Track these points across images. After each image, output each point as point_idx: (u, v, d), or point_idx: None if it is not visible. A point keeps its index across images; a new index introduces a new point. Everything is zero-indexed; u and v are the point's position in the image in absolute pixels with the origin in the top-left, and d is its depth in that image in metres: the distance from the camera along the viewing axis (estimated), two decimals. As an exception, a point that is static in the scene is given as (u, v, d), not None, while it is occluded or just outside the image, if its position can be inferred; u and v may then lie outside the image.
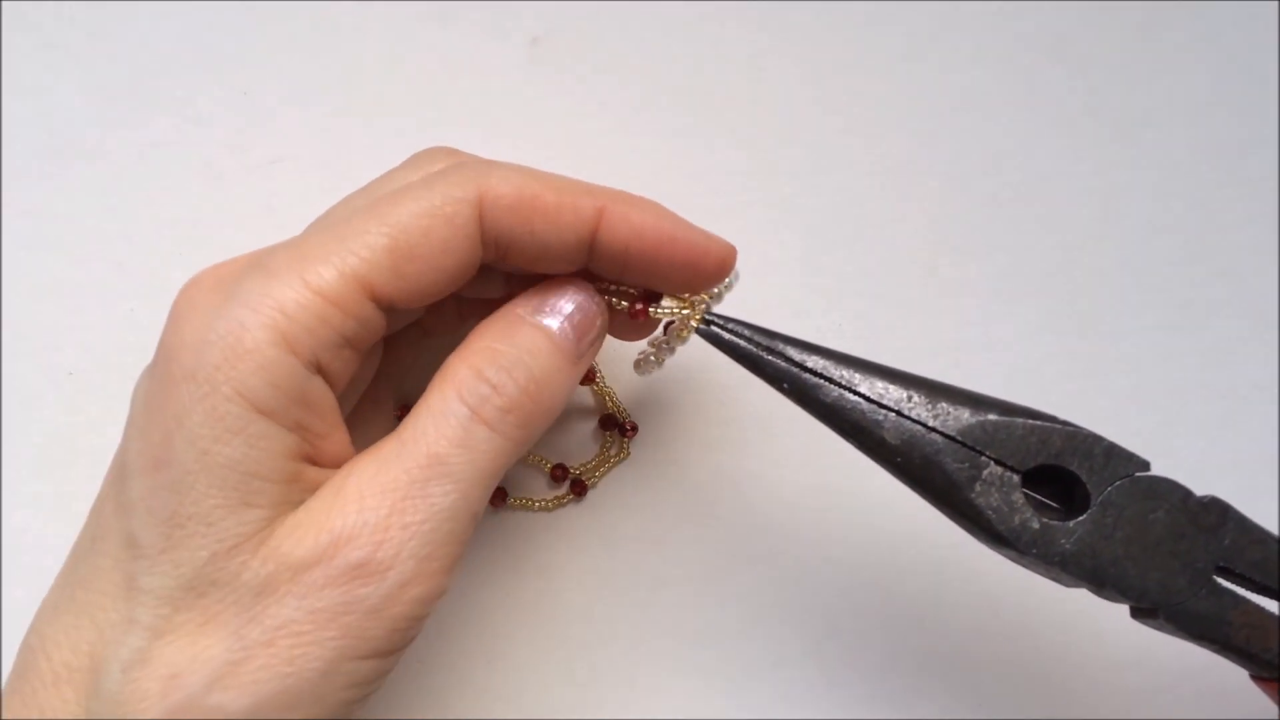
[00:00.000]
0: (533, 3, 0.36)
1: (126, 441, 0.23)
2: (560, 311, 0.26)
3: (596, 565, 0.33)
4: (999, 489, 0.25)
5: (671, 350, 0.29)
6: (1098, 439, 0.26)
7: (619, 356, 0.34)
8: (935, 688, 0.32)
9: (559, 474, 0.33)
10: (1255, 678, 0.26)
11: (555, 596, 0.33)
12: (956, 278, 0.35)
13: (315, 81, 0.36)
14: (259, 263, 0.23)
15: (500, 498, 0.33)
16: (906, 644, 0.33)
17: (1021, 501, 0.25)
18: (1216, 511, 0.25)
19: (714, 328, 0.27)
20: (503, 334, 0.25)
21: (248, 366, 0.22)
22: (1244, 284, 0.36)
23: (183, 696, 0.21)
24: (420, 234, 0.23)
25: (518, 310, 0.26)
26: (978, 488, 0.25)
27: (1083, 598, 0.32)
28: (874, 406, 0.26)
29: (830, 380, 0.26)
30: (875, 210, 0.35)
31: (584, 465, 0.33)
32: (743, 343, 0.27)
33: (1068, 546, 0.25)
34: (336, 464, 0.24)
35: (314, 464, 0.24)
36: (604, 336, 0.27)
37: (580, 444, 0.34)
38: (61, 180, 0.35)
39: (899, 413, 0.26)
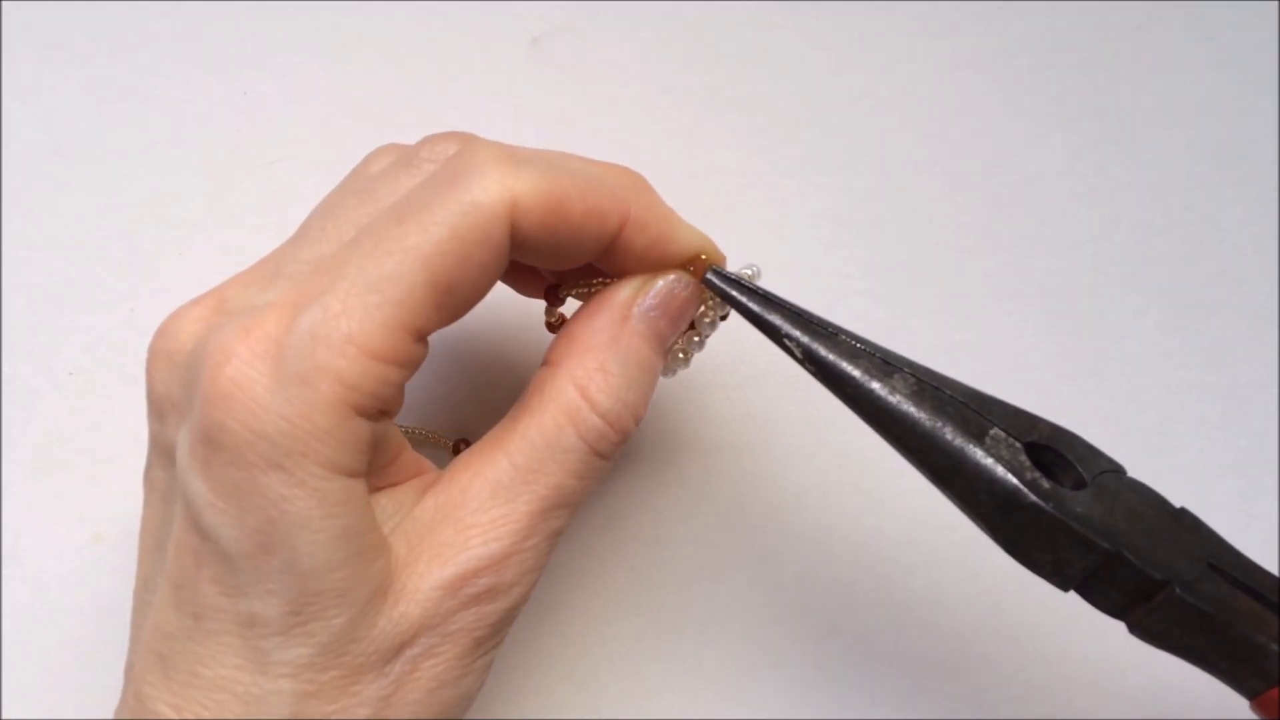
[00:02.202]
0: (533, 3, 0.36)
1: (210, 528, 0.22)
2: (662, 304, 0.25)
3: (596, 565, 0.33)
4: (1007, 448, 0.25)
5: (701, 344, 0.28)
6: (1078, 437, 0.25)
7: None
8: (935, 688, 0.32)
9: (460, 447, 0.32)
10: (1255, 702, 0.26)
11: (555, 596, 0.33)
12: (956, 278, 0.35)
13: (315, 81, 0.36)
14: (299, 327, 0.22)
15: None
16: (906, 644, 0.33)
17: (1030, 464, 0.25)
18: (1191, 518, 0.25)
19: (746, 299, 0.26)
20: (611, 345, 0.25)
21: (330, 445, 0.22)
22: (1244, 284, 0.36)
23: None
24: (457, 263, 0.22)
25: (623, 306, 0.25)
26: (987, 441, 0.25)
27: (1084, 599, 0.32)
28: (885, 364, 0.26)
29: (840, 338, 0.26)
30: (875, 211, 0.35)
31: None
32: (772, 316, 0.26)
33: (1079, 509, 0.24)
34: (408, 474, 0.25)
35: (395, 487, 0.24)
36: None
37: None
38: (61, 180, 0.35)
39: (909, 369, 0.25)
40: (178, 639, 0.23)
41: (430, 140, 0.26)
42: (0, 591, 0.32)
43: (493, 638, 0.24)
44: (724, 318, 0.28)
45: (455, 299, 0.23)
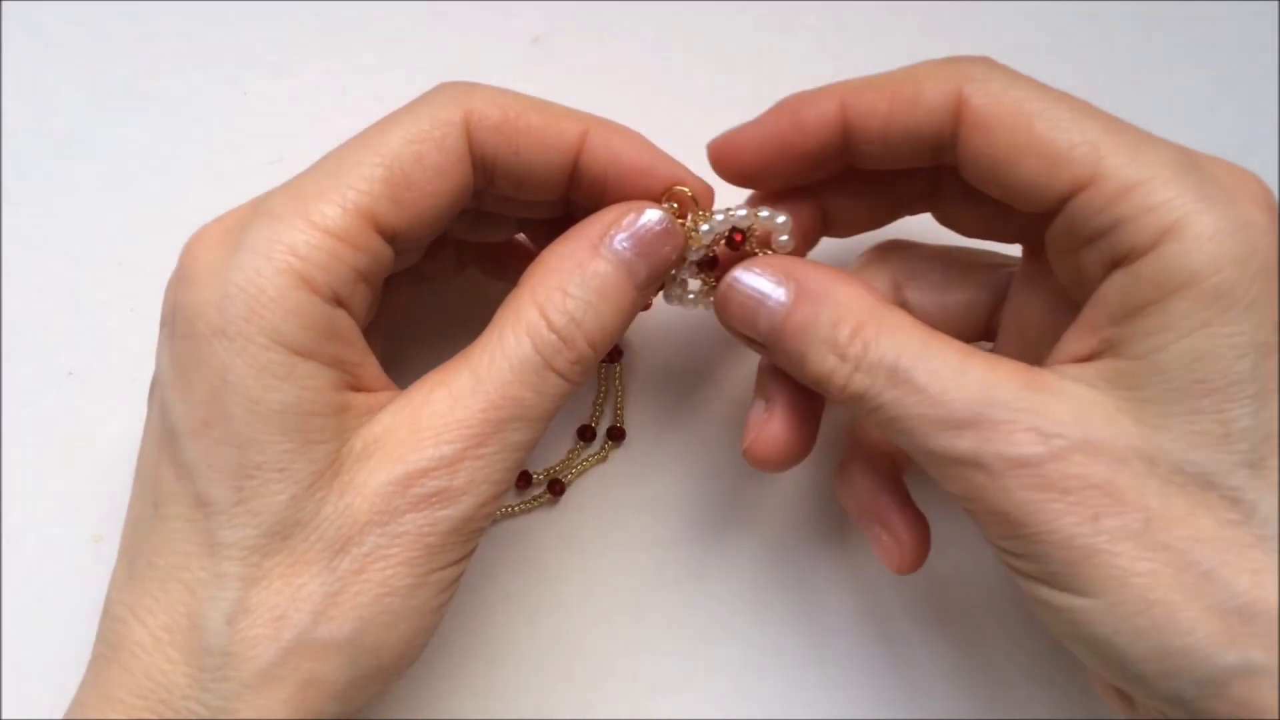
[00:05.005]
0: (533, 2, 0.36)
1: (166, 406, 0.23)
2: (634, 236, 0.25)
3: (596, 565, 0.33)
4: None
5: (682, 279, 0.27)
6: None
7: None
8: (935, 687, 0.32)
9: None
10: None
11: (554, 597, 0.33)
12: (956, 278, 0.35)
13: (315, 81, 0.36)
14: (261, 209, 0.23)
15: (525, 480, 0.33)
16: (907, 643, 0.32)
17: None
18: None
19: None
20: (574, 270, 0.25)
21: (276, 313, 0.22)
22: (1244, 284, 0.35)
23: (292, 635, 0.22)
24: (413, 160, 0.24)
25: (591, 233, 0.25)
26: None
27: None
28: None
29: None
30: (875, 210, 0.35)
31: (558, 466, 0.33)
32: None
33: None
34: (375, 388, 0.25)
35: (356, 391, 0.24)
36: (676, 263, 0.27)
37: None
38: (61, 180, 0.35)
39: None
40: (140, 532, 0.24)
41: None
42: (0, 591, 0.32)
43: (445, 549, 0.24)
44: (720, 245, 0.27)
45: (414, 196, 0.24)
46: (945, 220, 0.29)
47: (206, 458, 0.22)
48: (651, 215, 0.26)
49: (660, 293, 0.28)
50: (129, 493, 0.32)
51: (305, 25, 0.36)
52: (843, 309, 0.24)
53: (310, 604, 0.23)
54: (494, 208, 0.28)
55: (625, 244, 0.25)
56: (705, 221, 0.27)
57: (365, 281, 0.24)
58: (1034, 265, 0.27)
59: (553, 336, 0.24)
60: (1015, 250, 0.28)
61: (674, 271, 0.27)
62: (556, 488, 0.33)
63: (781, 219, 0.27)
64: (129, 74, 0.35)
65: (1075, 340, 0.24)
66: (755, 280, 0.26)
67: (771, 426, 0.27)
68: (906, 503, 0.29)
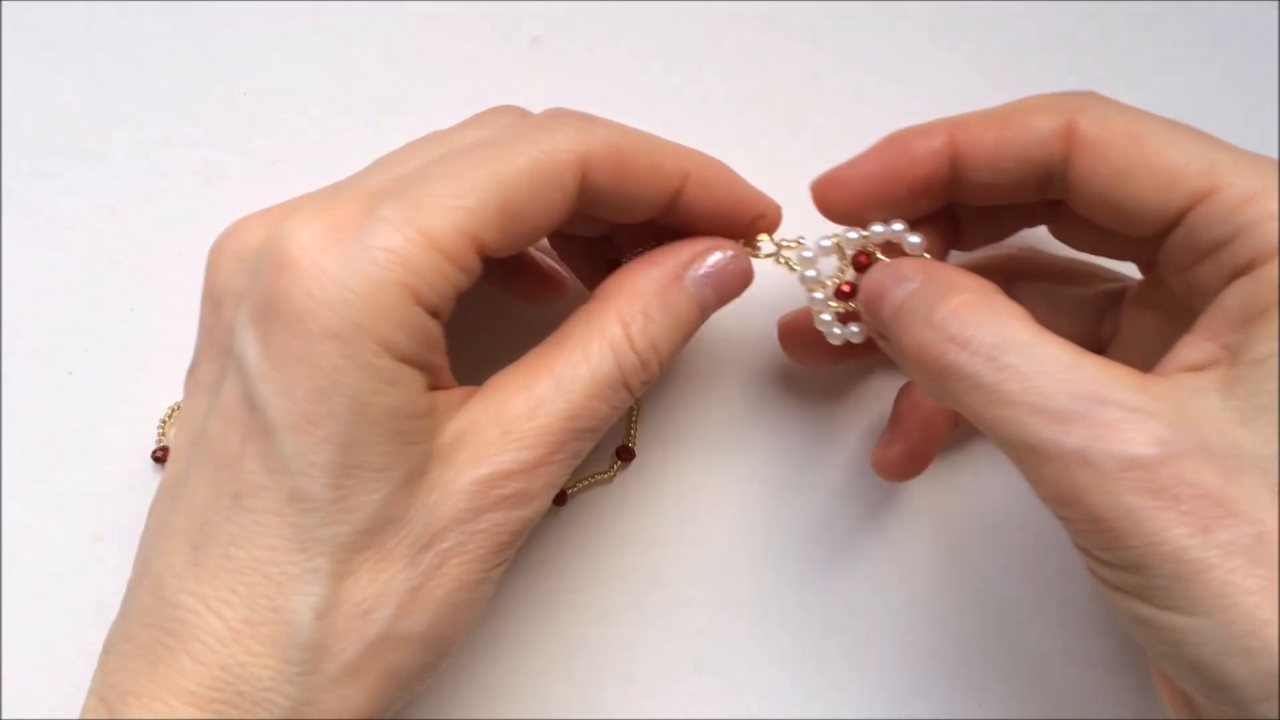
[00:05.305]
0: (533, 2, 0.36)
1: (258, 398, 0.23)
2: (713, 273, 0.27)
3: (596, 565, 0.33)
4: None
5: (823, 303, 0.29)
6: None
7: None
8: (935, 688, 0.32)
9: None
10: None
11: (555, 596, 0.33)
12: (956, 278, 0.35)
13: (315, 81, 0.36)
14: (376, 216, 0.23)
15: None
16: (907, 644, 0.33)
17: None
18: None
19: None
20: (660, 295, 0.26)
21: (388, 324, 0.23)
22: (1244, 284, 0.35)
23: (378, 630, 0.23)
24: (529, 195, 0.24)
25: (675, 263, 0.27)
26: None
27: (1084, 597, 0.32)
28: None
29: None
30: (875, 210, 0.35)
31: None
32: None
33: None
34: (450, 385, 0.25)
35: (438, 390, 0.25)
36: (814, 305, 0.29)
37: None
38: (61, 180, 0.35)
39: None
40: (213, 522, 0.23)
41: (490, 109, 0.28)
42: (0, 591, 0.32)
43: (510, 546, 0.25)
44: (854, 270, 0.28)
45: (518, 227, 0.24)
46: (1061, 235, 0.29)
47: (307, 454, 0.23)
48: (731, 255, 0.28)
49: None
50: (129, 498, 0.32)
51: (305, 25, 0.36)
52: (952, 287, 0.25)
53: (395, 599, 0.23)
54: (575, 225, 0.28)
55: (704, 279, 0.27)
56: (811, 266, 0.28)
57: (458, 295, 0.25)
58: (1149, 281, 0.28)
59: (634, 356, 0.26)
60: (1127, 267, 0.29)
61: (820, 314, 0.28)
62: (560, 498, 0.33)
63: (916, 239, 0.27)
64: (129, 74, 0.35)
65: (1190, 348, 0.24)
66: (887, 272, 0.27)
67: (892, 450, 0.29)
68: (934, 438, 0.30)
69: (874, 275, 0.27)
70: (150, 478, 0.33)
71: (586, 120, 0.26)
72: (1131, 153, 0.24)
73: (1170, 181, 0.24)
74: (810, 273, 0.28)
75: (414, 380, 0.23)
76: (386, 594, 0.23)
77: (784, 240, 0.29)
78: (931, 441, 0.30)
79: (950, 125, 0.27)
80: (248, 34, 0.36)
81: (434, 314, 0.24)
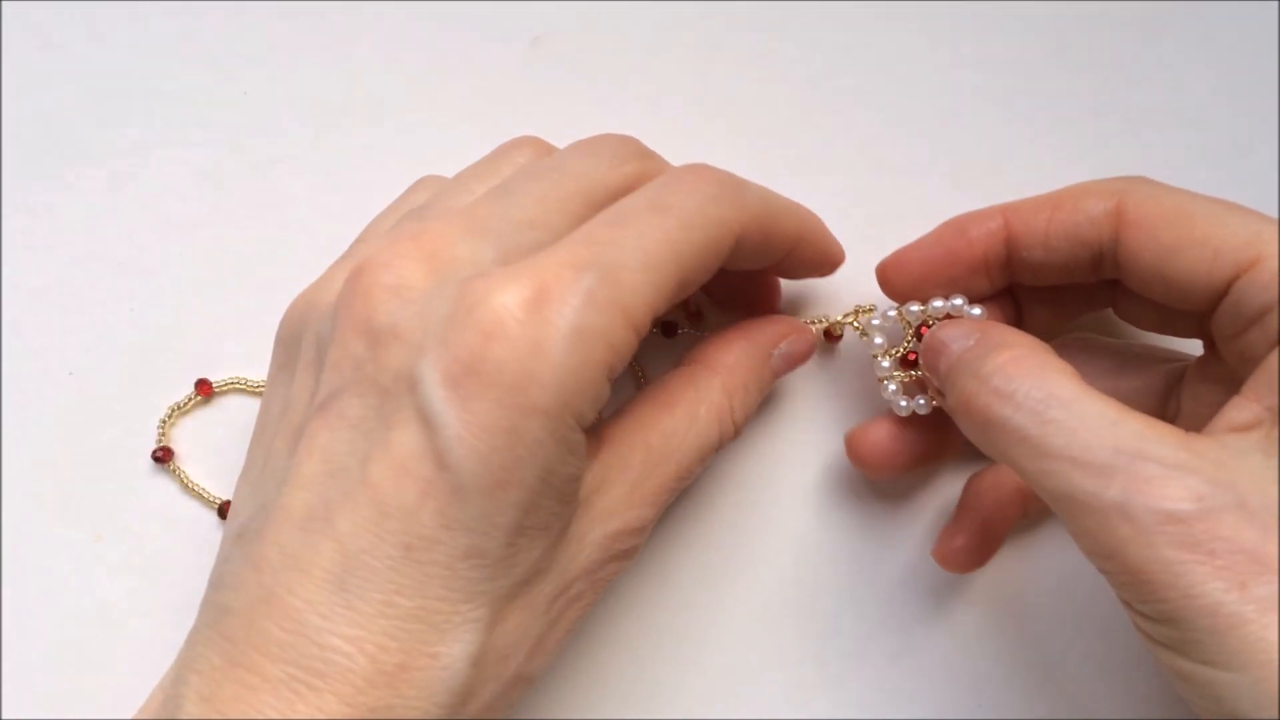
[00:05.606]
0: (533, 2, 0.36)
1: (451, 459, 0.22)
2: (790, 353, 0.30)
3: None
4: None
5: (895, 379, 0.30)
6: None
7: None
8: (935, 688, 0.32)
9: None
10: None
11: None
12: (957, 278, 0.35)
13: (315, 82, 0.36)
14: (587, 292, 0.23)
15: None
16: (907, 644, 0.32)
17: None
18: None
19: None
20: (756, 371, 0.29)
21: (586, 400, 0.23)
22: (1244, 284, 0.35)
23: (511, 673, 0.24)
24: (699, 267, 0.25)
25: (767, 341, 0.30)
26: None
27: (1084, 597, 0.32)
28: None
29: None
30: (875, 211, 0.35)
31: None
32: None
33: None
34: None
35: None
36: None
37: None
38: (61, 180, 0.35)
39: None
40: (373, 568, 0.23)
41: (514, 142, 0.30)
42: (0, 591, 0.32)
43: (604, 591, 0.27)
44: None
45: (684, 293, 0.25)
46: (1124, 315, 0.30)
47: (491, 515, 0.23)
48: (804, 340, 0.31)
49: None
50: (129, 498, 0.32)
51: (305, 26, 0.36)
52: (1002, 344, 0.26)
53: (529, 643, 0.25)
54: None
55: (784, 357, 0.30)
56: (878, 334, 0.30)
57: None
58: (1208, 356, 0.28)
59: (732, 427, 0.28)
60: (1190, 345, 0.30)
61: (885, 382, 0.30)
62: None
63: (977, 310, 0.29)
64: (129, 74, 0.35)
65: (1237, 409, 0.24)
66: (950, 331, 0.28)
67: (956, 542, 0.30)
68: (999, 531, 0.31)
69: (935, 332, 0.28)
70: (150, 478, 0.33)
71: (738, 187, 0.27)
72: (1179, 229, 0.26)
73: (1217, 254, 0.25)
74: (879, 340, 0.30)
75: (584, 445, 0.24)
76: (523, 639, 0.24)
77: (860, 305, 0.32)
78: (995, 537, 0.30)
79: (1005, 209, 0.29)
80: (248, 34, 0.36)
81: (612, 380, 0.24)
